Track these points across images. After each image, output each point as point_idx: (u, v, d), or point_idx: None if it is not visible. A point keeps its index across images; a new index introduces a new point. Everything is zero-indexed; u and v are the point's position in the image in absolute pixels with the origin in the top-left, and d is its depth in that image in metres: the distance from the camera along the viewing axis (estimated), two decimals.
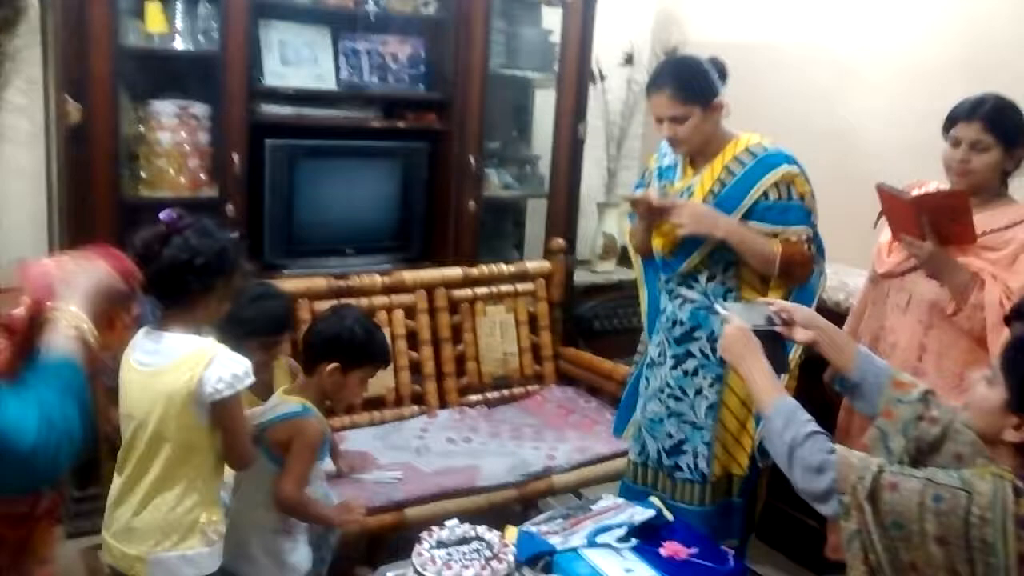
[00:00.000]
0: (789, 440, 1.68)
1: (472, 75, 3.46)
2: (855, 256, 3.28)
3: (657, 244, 2.50)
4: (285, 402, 2.13)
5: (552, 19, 3.77)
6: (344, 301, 2.97)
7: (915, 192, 2.36)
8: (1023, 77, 2.93)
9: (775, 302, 2.03)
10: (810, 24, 3.68)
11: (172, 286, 1.82)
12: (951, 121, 2.30)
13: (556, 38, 3.72)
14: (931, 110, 3.22)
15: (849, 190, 3.37)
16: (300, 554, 2.14)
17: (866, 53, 3.47)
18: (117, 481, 1.92)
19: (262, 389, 2.25)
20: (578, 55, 3.69)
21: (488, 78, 3.51)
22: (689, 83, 2.32)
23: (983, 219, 2.23)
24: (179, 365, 1.82)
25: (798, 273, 2.40)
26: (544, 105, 3.90)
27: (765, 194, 2.35)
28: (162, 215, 1.85)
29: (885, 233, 2.47)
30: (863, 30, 3.49)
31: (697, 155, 2.44)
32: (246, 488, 2.05)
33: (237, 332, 2.12)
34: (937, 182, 2.39)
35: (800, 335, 1.92)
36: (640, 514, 2.21)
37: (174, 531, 1.86)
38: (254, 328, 2.28)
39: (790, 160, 2.38)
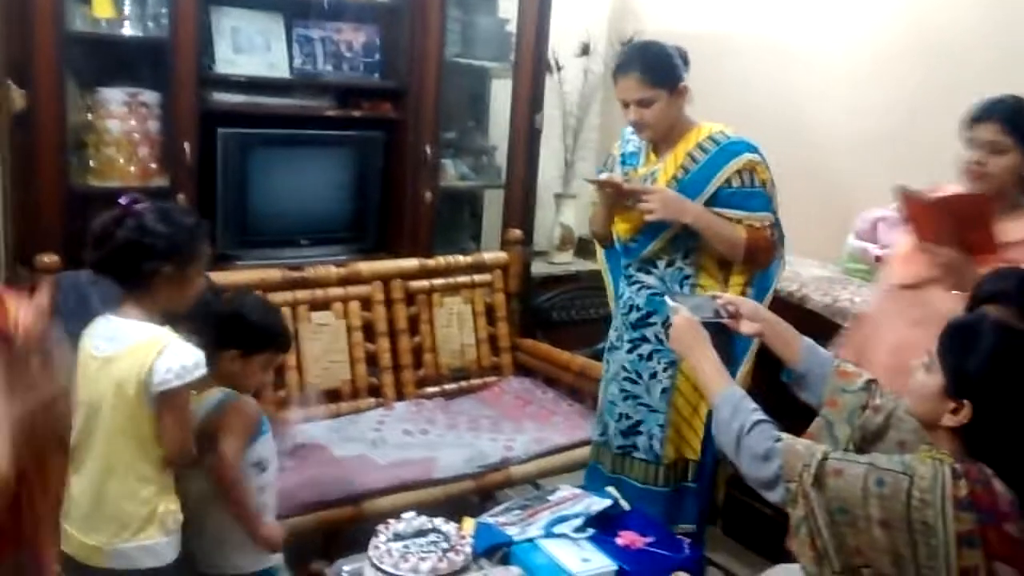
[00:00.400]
0: (736, 429, 1.70)
1: (427, 64, 3.43)
2: (808, 246, 3.33)
3: (620, 229, 2.53)
4: (209, 395, 2.07)
5: (508, 8, 3.75)
6: (299, 293, 2.95)
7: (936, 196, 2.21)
8: (975, 62, 3.00)
9: (722, 295, 2.06)
10: (766, 14, 3.70)
11: (124, 268, 1.83)
12: (968, 123, 2.16)
13: (512, 27, 3.70)
14: (885, 99, 3.30)
15: (803, 180, 3.42)
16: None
17: (821, 43, 3.51)
18: (72, 470, 1.89)
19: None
20: (534, 45, 3.67)
21: (444, 67, 3.48)
22: (657, 67, 2.37)
23: (1002, 232, 2.07)
24: (132, 352, 1.81)
25: (761, 259, 2.45)
26: (500, 95, 3.89)
27: (728, 181, 2.40)
28: (121, 198, 1.85)
29: (902, 241, 2.36)
30: (818, 20, 3.52)
31: (660, 141, 2.47)
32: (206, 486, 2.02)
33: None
34: (956, 185, 2.24)
35: (746, 328, 1.95)
36: (597, 504, 2.22)
37: (132, 521, 1.85)
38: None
39: (752, 148, 2.43)
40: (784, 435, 1.67)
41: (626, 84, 2.38)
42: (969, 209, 2.10)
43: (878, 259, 3.09)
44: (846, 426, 1.80)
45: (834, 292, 2.93)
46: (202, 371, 1.84)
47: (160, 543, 1.87)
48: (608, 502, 2.24)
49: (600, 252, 2.77)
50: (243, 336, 2.08)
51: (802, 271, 3.15)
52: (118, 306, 1.87)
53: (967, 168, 2.15)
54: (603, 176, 2.50)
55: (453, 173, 3.76)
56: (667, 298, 2.13)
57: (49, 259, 2.57)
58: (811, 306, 2.90)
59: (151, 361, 1.79)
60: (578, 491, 2.36)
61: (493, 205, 3.93)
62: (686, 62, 2.42)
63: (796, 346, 1.91)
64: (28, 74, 2.68)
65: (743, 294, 2.51)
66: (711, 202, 2.40)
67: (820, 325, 2.82)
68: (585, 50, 4.11)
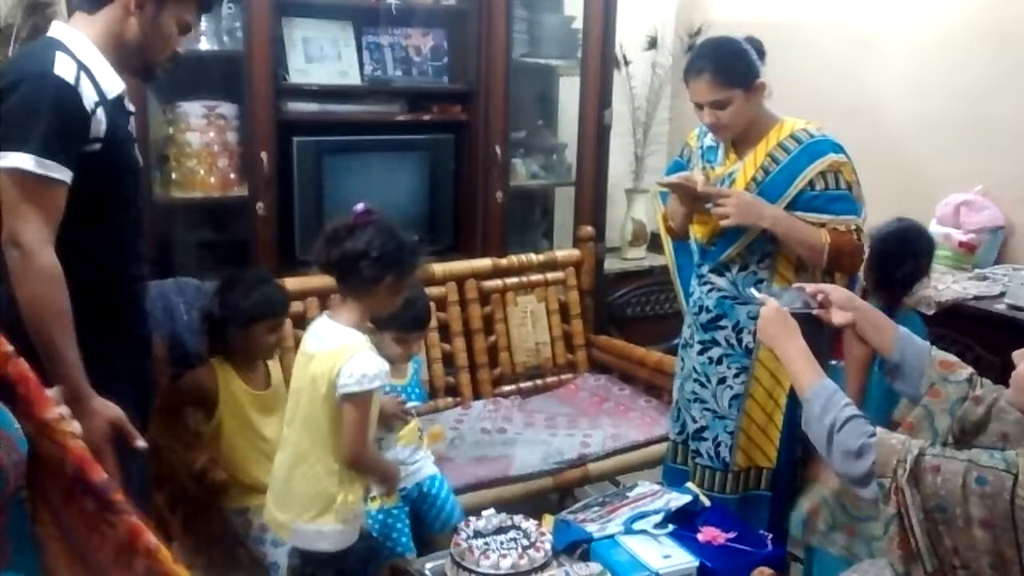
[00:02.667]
0: (828, 424, 1.66)
1: (495, 65, 3.45)
2: None
3: (696, 231, 2.47)
4: None
5: (574, 5, 3.74)
6: None
7: None
8: None
9: (810, 285, 1.99)
10: (833, 1, 3.63)
11: (347, 271, 2.02)
12: None
13: (578, 24, 3.70)
14: (954, 82, 3.21)
15: (872, 166, 3.33)
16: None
17: (888, 27, 3.43)
18: (280, 449, 2.12)
19: None
20: (601, 41, 3.66)
21: (511, 67, 3.49)
22: (729, 65, 2.26)
23: None
24: (330, 353, 1.98)
25: (847, 263, 2.35)
26: (569, 92, 3.88)
27: (811, 183, 2.30)
28: (355, 208, 2.04)
29: None
30: (884, 4, 3.44)
31: (740, 139, 2.38)
32: None
33: (378, 324, 2.30)
34: None
35: (838, 317, 1.89)
36: (676, 500, 2.21)
37: (313, 505, 2.00)
38: (395, 322, 2.37)
39: (837, 148, 2.32)
40: (879, 429, 1.62)
41: (698, 87, 2.27)
42: None
43: (961, 244, 3.01)
44: (947, 417, 1.73)
45: None
46: (380, 383, 1.99)
47: (336, 529, 2.01)
48: (688, 498, 2.23)
49: (668, 246, 2.70)
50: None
51: None
52: (334, 306, 2.10)
53: None
54: (675, 177, 2.41)
55: (523, 172, 3.78)
56: (752, 290, 2.08)
57: None
58: None
59: (341, 364, 1.94)
60: (657, 487, 2.35)
61: (564, 203, 3.94)
62: (761, 54, 2.31)
63: (890, 335, 1.84)
64: None
65: None
66: (792, 205, 2.31)
67: None
68: (652, 44, 4.09)
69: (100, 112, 1.72)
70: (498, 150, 3.49)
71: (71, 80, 1.67)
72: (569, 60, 3.77)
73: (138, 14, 1.79)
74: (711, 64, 2.26)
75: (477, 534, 2.01)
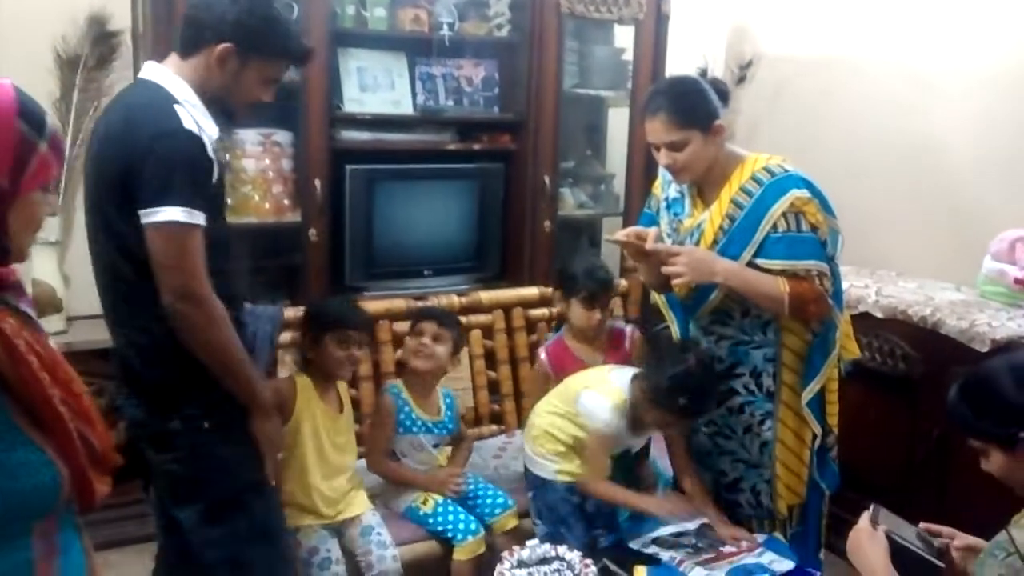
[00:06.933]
0: None
1: (545, 96, 3.49)
2: (942, 269, 3.22)
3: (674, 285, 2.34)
4: None
5: (624, 37, 3.77)
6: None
7: None
8: None
9: (936, 528, 1.73)
10: (886, 36, 3.61)
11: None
12: None
13: (629, 56, 3.73)
14: (1010, 119, 3.16)
15: (927, 203, 3.31)
16: None
17: (945, 64, 3.39)
18: None
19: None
20: (651, 72, 3.68)
21: (561, 98, 3.53)
22: (687, 105, 2.17)
23: None
24: None
25: (813, 311, 2.21)
26: (618, 123, 3.91)
27: (775, 226, 2.17)
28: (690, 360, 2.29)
29: None
30: (942, 41, 3.41)
31: (703, 183, 2.28)
32: None
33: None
34: None
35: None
36: (779, 563, 2.24)
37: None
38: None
39: (799, 183, 2.17)
40: None
41: (653, 126, 2.17)
42: None
43: (1017, 281, 2.96)
44: None
45: (970, 316, 2.81)
46: None
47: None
48: (791, 564, 2.23)
49: (661, 296, 2.60)
50: None
51: (936, 295, 3.03)
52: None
53: None
54: (625, 232, 2.31)
55: (571, 202, 3.80)
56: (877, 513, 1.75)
57: None
58: (945, 331, 2.79)
59: None
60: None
61: (611, 233, 3.94)
62: (725, 97, 2.24)
63: None
64: None
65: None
66: (759, 249, 2.18)
67: (955, 351, 2.73)
68: (702, 76, 4.07)
69: (216, 157, 1.85)
70: (547, 180, 3.52)
71: (197, 132, 1.79)
72: (619, 91, 3.79)
73: (221, 67, 1.87)
74: (668, 103, 2.17)
75: (520, 564, 2.01)
